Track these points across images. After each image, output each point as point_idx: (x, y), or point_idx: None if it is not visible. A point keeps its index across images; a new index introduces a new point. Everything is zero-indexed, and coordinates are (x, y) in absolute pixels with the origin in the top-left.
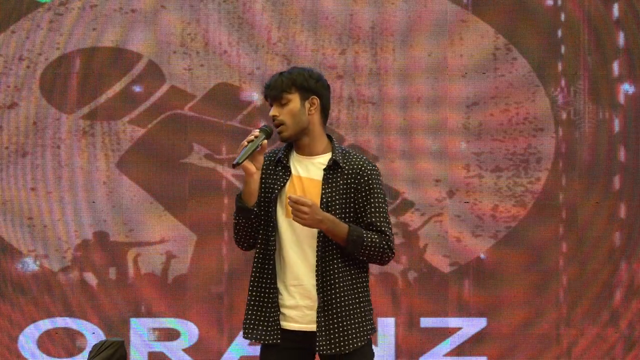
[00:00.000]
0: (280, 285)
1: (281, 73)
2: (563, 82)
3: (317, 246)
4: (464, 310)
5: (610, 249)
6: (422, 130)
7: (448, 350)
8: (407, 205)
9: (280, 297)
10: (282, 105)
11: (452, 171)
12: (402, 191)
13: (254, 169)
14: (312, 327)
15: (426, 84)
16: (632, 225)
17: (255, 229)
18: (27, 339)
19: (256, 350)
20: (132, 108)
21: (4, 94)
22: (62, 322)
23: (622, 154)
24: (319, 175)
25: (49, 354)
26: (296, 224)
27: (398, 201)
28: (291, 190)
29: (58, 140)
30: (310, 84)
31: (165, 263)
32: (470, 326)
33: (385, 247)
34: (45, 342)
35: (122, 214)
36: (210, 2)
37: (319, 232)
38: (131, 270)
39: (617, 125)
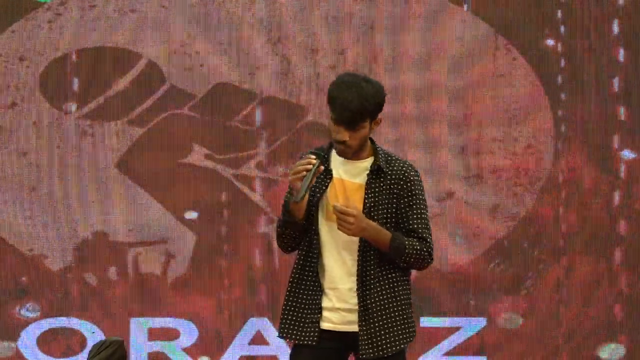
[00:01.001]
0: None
1: (358, 92)
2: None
3: (359, 250)
4: (463, 310)
5: (612, 247)
6: (422, 130)
7: (448, 349)
8: None
9: (322, 298)
10: (354, 131)
11: (450, 173)
12: None
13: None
14: (348, 328)
15: (426, 83)
16: (633, 224)
17: (301, 237)
18: (27, 339)
19: (255, 350)
20: (132, 108)
21: (4, 93)
22: (61, 321)
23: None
24: (361, 179)
25: (48, 353)
26: (334, 227)
27: None
28: (332, 193)
29: (58, 140)
30: (380, 106)
31: (165, 263)
32: (469, 326)
33: (426, 254)
34: (45, 341)
35: (121, 214)
36: (210, 2)
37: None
38: (131, 270)
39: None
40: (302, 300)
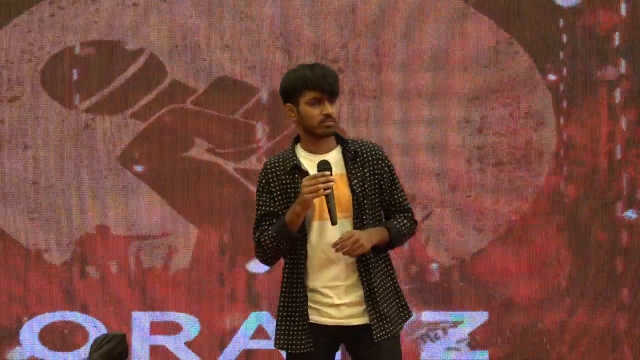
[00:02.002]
0: (314, 288)
1: (323, 67)
2: (562, 88)
3: None
4: (465, 304)
5: (612, 241)
6: (424, 124)
7: (449, 344)
8: (409, 199)
9: (316, 296)
10: (333, 103)
11: (453, 165)
12: (404, 185)
13: (311, 205)
14: (348, 322)
15: (428, 77)
16: (634, 218)
17: (292, 248)
18: (29, 333)
19: (256, 344)
20: (134, 101)
21: (6, 87)
22: (63, 315)
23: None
24: (338, 168)
25: (50, 347)
26: (326, 226)
27: None
28: None
29: (60, 133)
30: None
31: (167, 257)
32: (471, 320)
33: (413, 223)
34: (47, 335)
35: (123, 208)
36: None
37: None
38: (132, 264)
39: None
40: (293, 307)
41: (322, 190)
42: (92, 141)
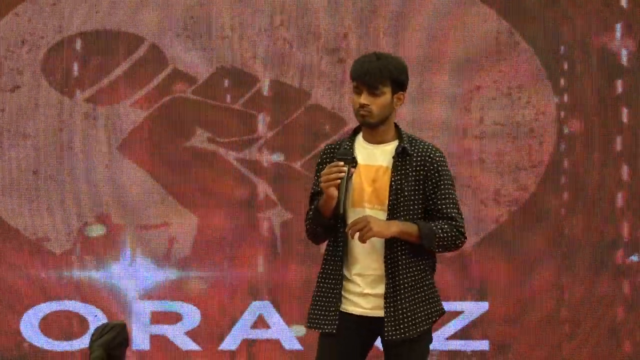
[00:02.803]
0: (347, 274)
1: (377, 57)
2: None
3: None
4: (465, 294)
5: (615, 231)
6: (424, 116)
7: (450, 334)
8: None
9: (349, 285)
10: (375, 95)
11: (454, 156)
12: None
13: (337, 194)
14: (377, 313)
15: (428, 68)
16: (634, 198)
17: (333, 230)
18: (29, 322)
19: (256, 334)
20: (134, 91)
21: (7, 77)
22: (63, 305)
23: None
24: (386, 161)
25: (51, 336)
26: (363, 214)
27: None
28: (357, 180)
29: (60, 123)
30: (402, 79)
31: (168, 246)
32: (472, 310)
33: (457, 232)
34: (47, 325)
35: (124, 197)
36: None
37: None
38: (133, 254)
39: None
40: (326, 289)
41: (334, 180)
42: (93, 131)
